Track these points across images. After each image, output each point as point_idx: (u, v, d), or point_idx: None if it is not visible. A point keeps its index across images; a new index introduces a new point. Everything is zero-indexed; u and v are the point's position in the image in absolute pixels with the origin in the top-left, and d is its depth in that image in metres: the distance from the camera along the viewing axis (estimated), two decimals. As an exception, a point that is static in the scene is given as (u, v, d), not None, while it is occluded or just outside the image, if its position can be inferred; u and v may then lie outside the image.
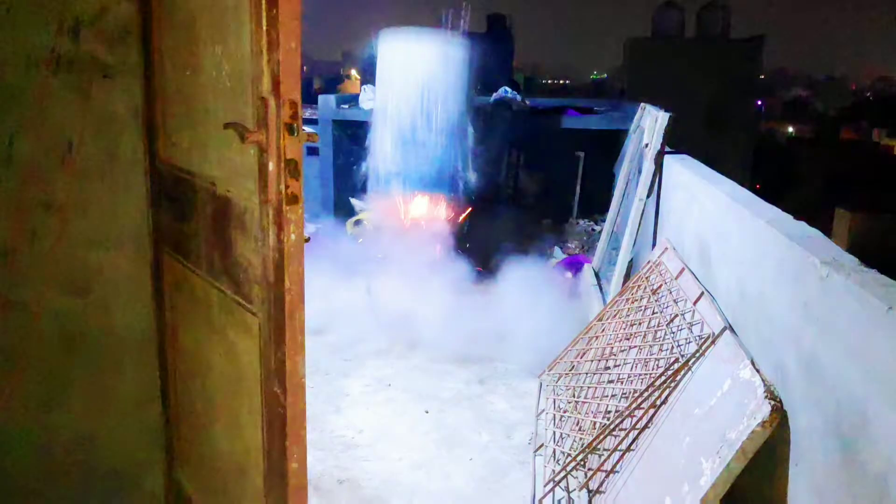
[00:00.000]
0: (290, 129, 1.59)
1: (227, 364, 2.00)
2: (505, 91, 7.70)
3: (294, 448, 1.66)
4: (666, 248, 3.89)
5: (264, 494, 1.82)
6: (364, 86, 8.14)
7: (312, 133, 1.64)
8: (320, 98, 7.74)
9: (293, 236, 1.61)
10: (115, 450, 2.63)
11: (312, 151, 7.46)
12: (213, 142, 1.94)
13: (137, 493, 2.66)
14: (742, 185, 3.34)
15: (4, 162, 2.42)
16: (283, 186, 1.61)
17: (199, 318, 2.16)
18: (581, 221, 7.01)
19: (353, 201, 7.33)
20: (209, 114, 1.96)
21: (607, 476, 2.97)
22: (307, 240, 1.64)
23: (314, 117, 7.61)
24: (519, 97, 7.67)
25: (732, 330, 2.77)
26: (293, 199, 1.61)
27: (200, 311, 2.14)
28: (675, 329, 3.18)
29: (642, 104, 5.64)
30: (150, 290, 2.50)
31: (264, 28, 1.60)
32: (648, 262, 4.03)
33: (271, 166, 1.62)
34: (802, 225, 2.47)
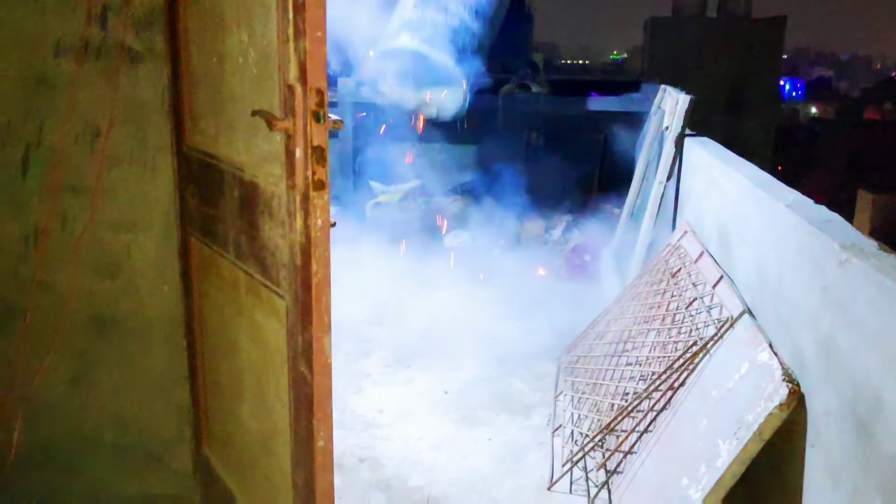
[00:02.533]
0: (317, 117, 1.63)
1: (255, 345, 2.05)
2: (525, 73, 7.68)
3: (321, 426, 1.71)
4: (685, 232, 3.90)
5: (291, 471, 1.88)
6: (383, 68, 8.14)
7: (338, 120, 1.68)
8: (339, 81, 7.75)
9: (320, 221, 1.65)
10: (143, 428, 2.70)
11: (331, 134, 7.48)
12: (239, 128, 1.98)
13: (166, 470, 2.73)
14: (763, 166, 3.34)
15: (35, 147, 2.48)
16: (309, 173, 1.64)
17: (226, 301, 2.22)
18: (601, 204, 7.01)
19: (373, 184, 7.37)
20: (235, 100, 2.00)
21: (625, 457, 3.01)
22: (333, 224, 1.68)
23: (333, 100, 7.62)
24: (538, 78, 7.66)
25: (751, 313, 2.78)
26: (320, 185, 1.65)
27: (227, 293, 2.19)
28: (693, 312, 3.20)
29: (663, 86, 5.61)
30: (177, 273, 2.56)
31: (291, 16, 1.63)
32: (668, 245, 4.04)
33: (298, 153, 1.65)
34: (822, 209, 2.48)
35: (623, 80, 9.59)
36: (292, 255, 1.73)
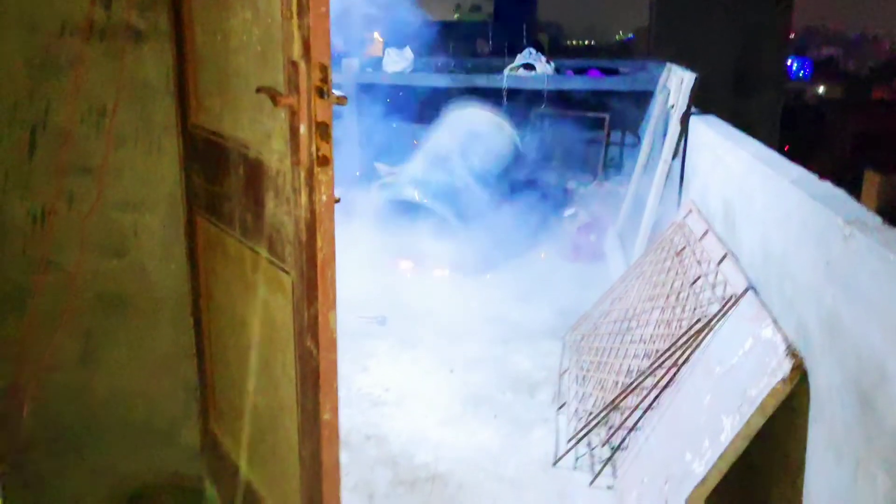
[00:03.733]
0: (321, 93, 1.64)
1: (261, 321, 2.07)
2: (529, 53, 7.65)
3: (327, 400, 1.73)
4: (690, 210, 3.90)
5: (298, 444, 1.90)
6: (387, 48, 8.12)
7: (342, 96, 1.68)
8: (343, 61, 7.74)
9: (324, 197, 1.66)
10: (151, 405, 2.73)
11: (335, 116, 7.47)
12: (244, 105, 1.99)
13: (174, 447, 2.76)
14: (770, 146, 3.33)
15: (41, 128, 2.50)
16: (314, 149, 1.65)
17: (232, 278, 2.23)
18: (606, 183, 7.00)
19: (378, 165, 7.37)
20: (240, 78, 2.00)
21: (629, 433, 3.03)
22: (338, 200, 1.69)
23: (336, 82, 7.60)
24: (543, 58, 7.62)
25: (755, 290, 2.79)
26: (324, 161, 1.65)
27: (234, 270, 2.21)
28: (698, 290, 3.21)
29: (668, 64, 5.59)
30: (184, 251, 2.58)
31: (294, -8, 1.63)
32: (673, 223, 4.05)
33: (302, 129, 1.66)
34: (826, 184, 2.47)
35: (629, 60, 9.53)
36: (297, 232, 1.74)
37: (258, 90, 1.76)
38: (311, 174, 1.66)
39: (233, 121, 2.07)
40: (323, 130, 1.65)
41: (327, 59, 1.63)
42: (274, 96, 1.69)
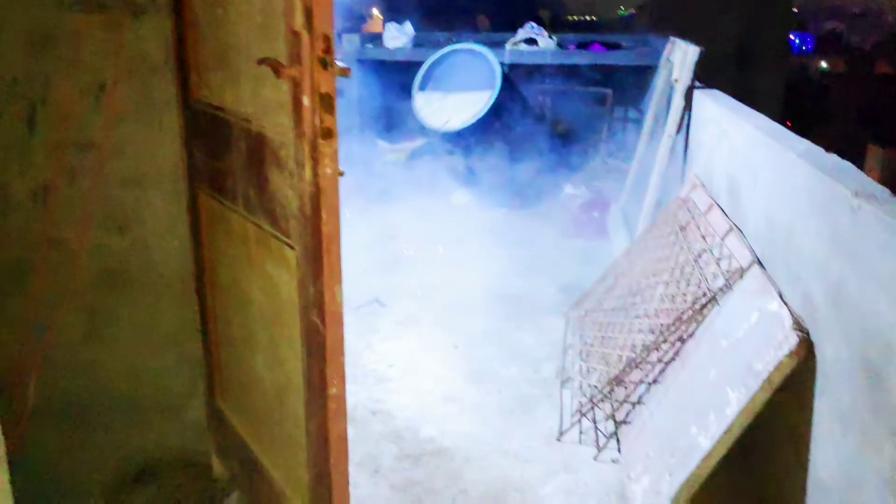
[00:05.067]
0: (324, 64, 1.61)
1: (266, 297, 2.06)
2: (531, 27, 7.57)
3: (333, 374, 1.72)
4: (695, 185, 3.88)
5: (305, 420, 1.90)
6: (387, 24, 8.05)
7: (345, 67, 1.66)
8: (344, 37, 7.67)
9: (328, 170, 1.64)
10: (157, 382, 2.73)
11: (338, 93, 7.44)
12: (245, 78, 1.96)
13: (180, 422, 2.77)
14: (773, 120, 3.30)
15: (41, 104, 2.47)
16: (317, 121, 1.63)
17: (236, 254, 2.22)
18: (609, 159, 6.96)
19: (380, 142, 7.33)
20: (241, 50, 1.97)
21: (633, 407, 3.03)
22: (342, 174, 1.67)
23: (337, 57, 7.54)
24: (545, 33, 7.55)
25: (761, 264, 2.78)
26: (328, 134, 1.63)
27: (237, 246, 2.19)
28: (702, 264, 3.20)
29: (671, 38, 5.53)
30: (187, 227, 2.56)
31: (295, -38, 1.60)
32: (677, 198, 4.03)
33: (305, 101, 1.64)
34: (833, 157, 2.45)
35: (631, 35, 9.45)
36: (301, 205, 1.73)
37: (260, 62, 1.73)
38: (314, 147, 1.65)
39: (234, 94, 2.05)
40: (326, 102, 1.63)
41: (330, 30, 1.61)
42: (276, 68, 1.66)
